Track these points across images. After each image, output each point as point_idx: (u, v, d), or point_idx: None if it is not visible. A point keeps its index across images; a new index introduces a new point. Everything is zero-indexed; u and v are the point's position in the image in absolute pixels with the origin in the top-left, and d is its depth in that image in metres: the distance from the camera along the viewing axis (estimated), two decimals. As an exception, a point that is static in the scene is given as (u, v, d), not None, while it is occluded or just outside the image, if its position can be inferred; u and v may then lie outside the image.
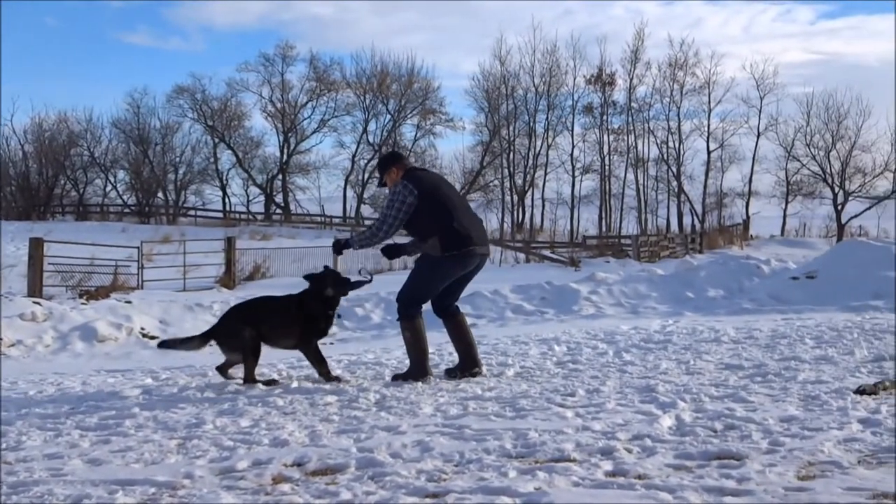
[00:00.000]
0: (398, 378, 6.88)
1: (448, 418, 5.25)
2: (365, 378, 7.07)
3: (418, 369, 6.87)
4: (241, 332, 6.92)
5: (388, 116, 59.27)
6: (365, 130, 59.66)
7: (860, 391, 5.65)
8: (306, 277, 7.17)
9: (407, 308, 6.95)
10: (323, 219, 53.82)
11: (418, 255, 7.18)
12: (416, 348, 6.92)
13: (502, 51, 57.43)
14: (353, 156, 59.86)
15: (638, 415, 5.17)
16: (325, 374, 6.92)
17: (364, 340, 10.57)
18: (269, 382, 6.83)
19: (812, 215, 51.05)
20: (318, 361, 6.98)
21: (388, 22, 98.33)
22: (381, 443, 4.62)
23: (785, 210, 52.94)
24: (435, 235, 6.76)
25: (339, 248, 7.22)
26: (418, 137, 59.63)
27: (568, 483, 3.80)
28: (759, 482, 3.70)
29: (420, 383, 6.64)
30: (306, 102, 60.72)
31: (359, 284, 7.23)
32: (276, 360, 8.20)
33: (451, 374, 6.96)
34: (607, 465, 4.05)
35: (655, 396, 5.70)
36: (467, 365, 6.98)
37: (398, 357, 8.06)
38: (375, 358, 8.27)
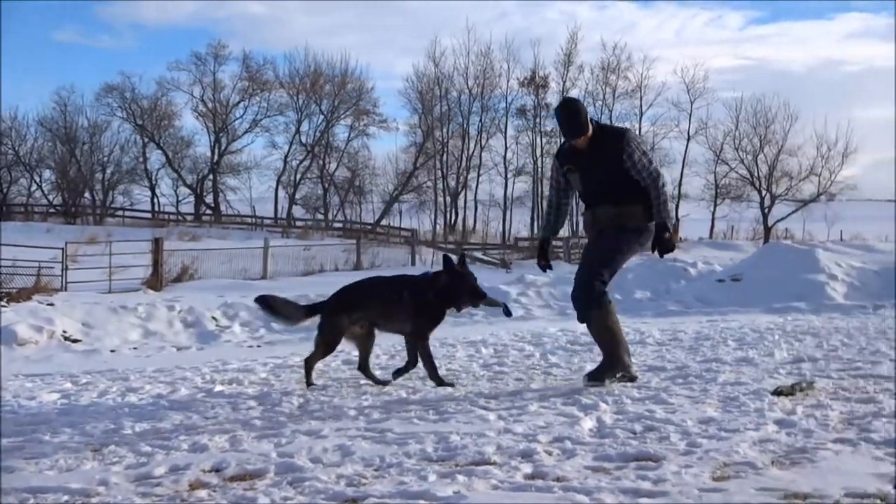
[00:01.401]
0: (596, 379, 6.15)
1: (371, 422, 5.21)
2: (289, 381, 7.01)
3: (622, 361, 6.28)
4: (339, 317, 6.60)
5: (321, 117, 59.32)
6: (297, 131, 59.65)
7: (777, 392, 5.73)
8: (446, 259, 6.77)
9: (603, 292, 6.21)
10: (254, 219, 53.45)
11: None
12: (617, 338, 6.27)
13: (436, 52, 57.79)
14: (286, 156, 59.82)
15: (560, 417, 5.19)
16: (434, 376, 6.54)
17: (291, 343, 10.48)
18: (380, 382, 6.59)
19: (740, 218, 52.15)
20: (426, 358, 6.57)
21: (322, 21, 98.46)
22: (301, 447, 4.57)
23: (714, 213, 53.89)
24: (640, 204, 6.30)
25: (664, 231, 6.26)
26: (351, 138, 59.81)
27: (487, 486, 3.80)
28: (675, 483, 3.74)
29: (620, 380, 6.24)
30: (238, 102, 60.52)
31: (493, 304, 7.10)
32: (199, 363, 8.10)
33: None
34: (527, 468, 4.05)
35: (578, 399, 5.72)
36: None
37: (325, 360, 7.98)
38: (302, 361, 8.17)
